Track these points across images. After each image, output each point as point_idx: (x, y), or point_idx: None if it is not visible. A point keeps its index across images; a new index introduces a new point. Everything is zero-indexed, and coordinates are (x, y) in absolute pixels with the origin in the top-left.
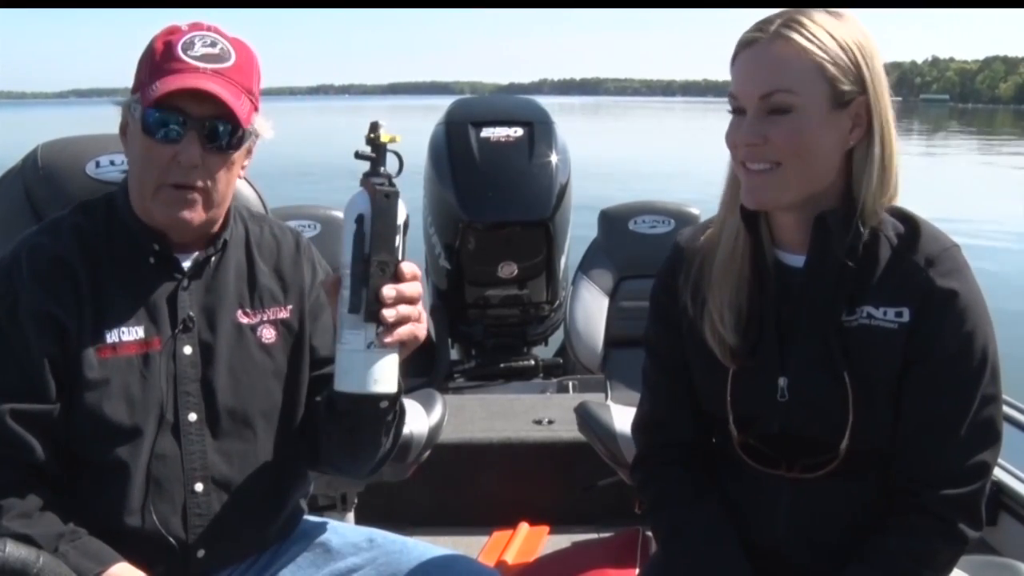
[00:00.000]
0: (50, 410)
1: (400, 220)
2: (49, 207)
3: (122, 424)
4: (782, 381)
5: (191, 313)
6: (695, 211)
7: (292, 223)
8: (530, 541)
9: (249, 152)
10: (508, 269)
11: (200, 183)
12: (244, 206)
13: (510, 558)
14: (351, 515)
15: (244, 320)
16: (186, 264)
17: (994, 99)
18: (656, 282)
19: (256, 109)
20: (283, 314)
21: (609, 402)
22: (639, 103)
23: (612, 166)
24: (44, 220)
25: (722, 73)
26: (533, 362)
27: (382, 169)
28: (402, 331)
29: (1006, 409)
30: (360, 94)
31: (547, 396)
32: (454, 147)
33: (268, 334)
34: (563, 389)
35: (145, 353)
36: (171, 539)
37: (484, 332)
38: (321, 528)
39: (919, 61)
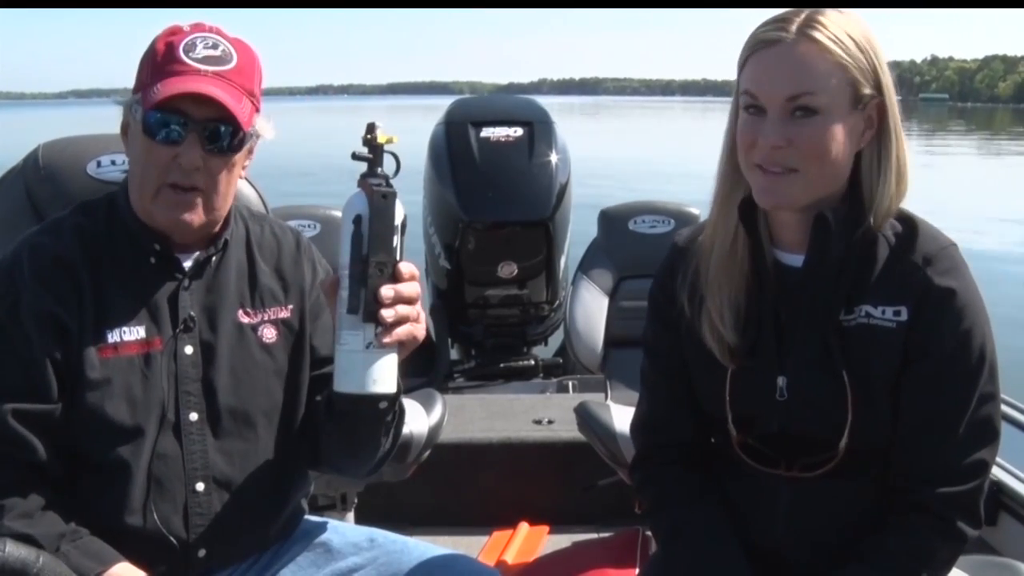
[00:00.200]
0: (51, 410)
1: (398, 220)
2: (50, 207)
3: (123, 424)
4: (781, 380)
5: (192, 313)
6: (695, 211)
7: (292, 223)
8: (530, 541)
9: (250, 152)
10: (508, 269)
11: (201, 184)
12: (245, 206)
13: (510, 558)
14: (351, 515)
15: (245, 320)
16: (187, 264)
17: (993, 98)
18: (654, 282)
19: (257, 110)
20: (284, 314)
21: (609, 402)
22: (638, 103)
23: (612, 166)
24: (45, 220)
25: (721, 73)
26: (533, 362)
27: (379, 170)
28: (401, 331)
29: (1004, 408)
30: (359, 94)
31: (547, 396)
32: (454, 147)
33: (269, 334)
34: (563, 389)
35: (146, 353)
36: (172, 538)
37: (484, 332)
38: (321, 528)
39: (918, 60)
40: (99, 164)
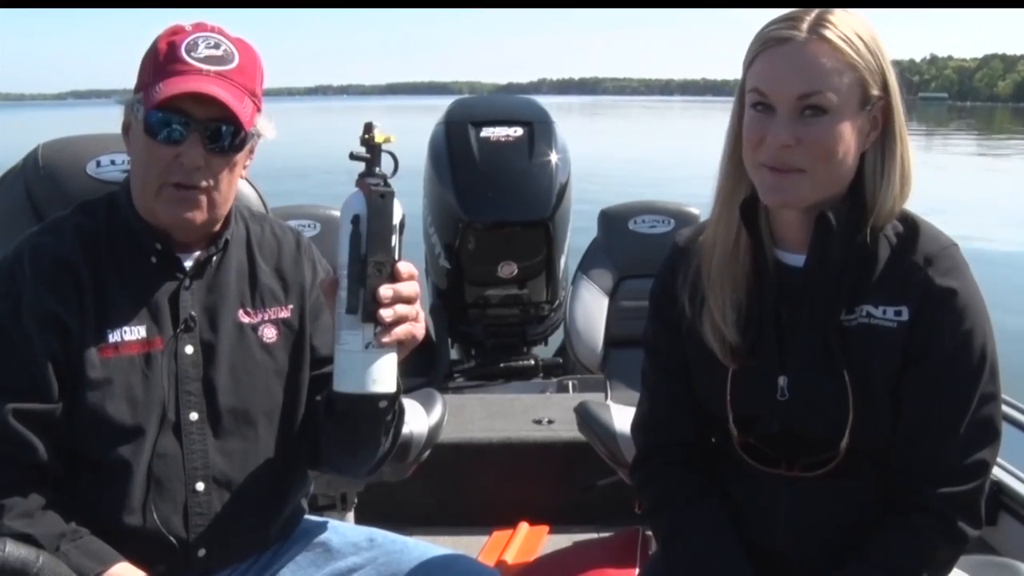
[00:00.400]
0: (52, 409)
1: (396, 220)
2: (50, 207)
3: (124, 423)
4: (782, 380)
5: (193, 313)
6: (695, 211)
7: (292, 222)
8: (530, 541)
9: (252, 152)
10: (508, 269)
11: (203, 183)
12: (245, 206)
13: (510, 558)
14: (351, 515)
15: (245, 319)
16: (188, 263)
17: (992, 97)
18: (655, 282)
19: (259, 110)
20: (284, 313)
21: (609, 402)
22: (638, 102)
23: (612, 166)
24: (45, 220)
25: (720, 72)
26: (533, 362)
27: (377, 169)
28: (400, 331)
29: (1005, 409)
30: (359, 94)
31: (547, 396)
32: (454, 147)
33: (269, 333)
34: (563, 389)
35: (147, 352)
36: (172, 538)
37: (484, 332)
38: (321, 527)
39: (917, 59)
40: (99, 164)
